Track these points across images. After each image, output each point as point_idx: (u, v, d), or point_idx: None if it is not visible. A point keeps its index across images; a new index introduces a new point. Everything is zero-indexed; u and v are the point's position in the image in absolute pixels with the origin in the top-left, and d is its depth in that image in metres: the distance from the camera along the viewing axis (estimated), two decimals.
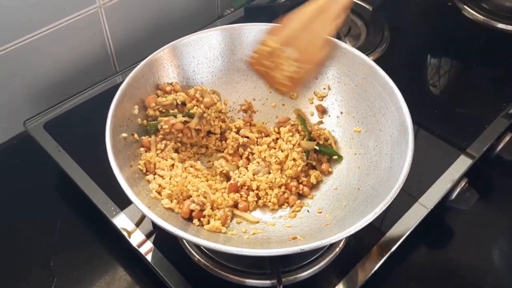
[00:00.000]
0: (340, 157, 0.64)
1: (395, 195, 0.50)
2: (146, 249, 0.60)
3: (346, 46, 0.66)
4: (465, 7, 0.98)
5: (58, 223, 0.67)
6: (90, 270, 0.62)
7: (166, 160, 0.61)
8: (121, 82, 0.60)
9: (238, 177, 0.62)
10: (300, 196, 0.63)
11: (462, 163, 0.70)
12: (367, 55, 0.65)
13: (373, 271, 0.59)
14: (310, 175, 0.63)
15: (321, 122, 0.68)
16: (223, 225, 0.56)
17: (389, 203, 0.49)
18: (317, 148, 0.64)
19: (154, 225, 0.62)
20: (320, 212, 0.59)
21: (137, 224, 0.62)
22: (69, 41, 0.78)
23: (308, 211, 0.60)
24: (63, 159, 0.69)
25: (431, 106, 0.80)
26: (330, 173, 0.64)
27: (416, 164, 0.53)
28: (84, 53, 0.82)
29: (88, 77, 0.82)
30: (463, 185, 0.68)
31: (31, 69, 0.76)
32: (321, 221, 0.56)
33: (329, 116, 0.68)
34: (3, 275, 0.62)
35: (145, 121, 0.62)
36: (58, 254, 0.63)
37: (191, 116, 0.64)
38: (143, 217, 0.63)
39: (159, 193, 0.57)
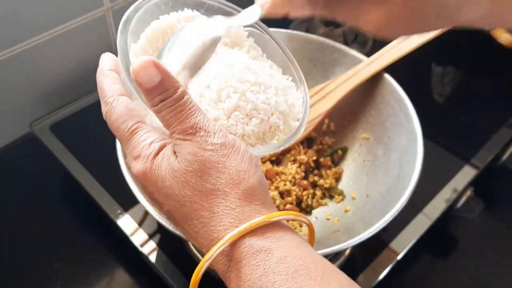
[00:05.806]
0: (341, 193, 0.63)
1: (405, 203, 0.50)
2: (149, 250, 0.60)
3: (354, 52, 0.66)
4: None
5: (63, 225, 0.67)
6: (95, 273, 0.62)
7: None
8: None
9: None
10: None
11: (467, 174, 0.70)
12: None
13: (377, 281, 0.58)
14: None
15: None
16: None
17: (399, 210, 0.49)
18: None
19: (159, 226, 0.62)
20: (328, 219, 0.59)
21: (140, 224, 0.62)
22: (76, 43, 0.78)
23: (316, 217, 0.60)
24: (69, 160, 0.68)
25: (436, 116, 0.80)
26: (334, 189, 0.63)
27: (420, 173, 0.53)
28: (91, 56, 0.82)
29: (94, 80, 0.81)
30: (468, 194, 0.68)
31: (38, 70, 0.76)
32: (329, 227, 0.56)
33: None
34: (7, 277, 0.61)
35: None
36: (62, 256, 0.63)
37: None
38: (146, 217, 0.63)
39: None
